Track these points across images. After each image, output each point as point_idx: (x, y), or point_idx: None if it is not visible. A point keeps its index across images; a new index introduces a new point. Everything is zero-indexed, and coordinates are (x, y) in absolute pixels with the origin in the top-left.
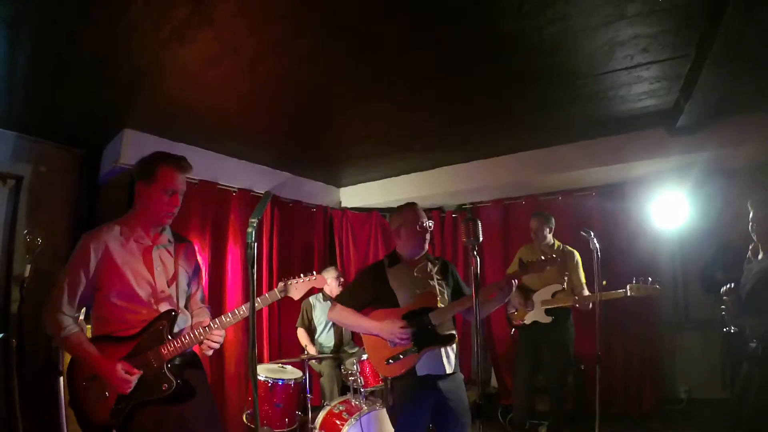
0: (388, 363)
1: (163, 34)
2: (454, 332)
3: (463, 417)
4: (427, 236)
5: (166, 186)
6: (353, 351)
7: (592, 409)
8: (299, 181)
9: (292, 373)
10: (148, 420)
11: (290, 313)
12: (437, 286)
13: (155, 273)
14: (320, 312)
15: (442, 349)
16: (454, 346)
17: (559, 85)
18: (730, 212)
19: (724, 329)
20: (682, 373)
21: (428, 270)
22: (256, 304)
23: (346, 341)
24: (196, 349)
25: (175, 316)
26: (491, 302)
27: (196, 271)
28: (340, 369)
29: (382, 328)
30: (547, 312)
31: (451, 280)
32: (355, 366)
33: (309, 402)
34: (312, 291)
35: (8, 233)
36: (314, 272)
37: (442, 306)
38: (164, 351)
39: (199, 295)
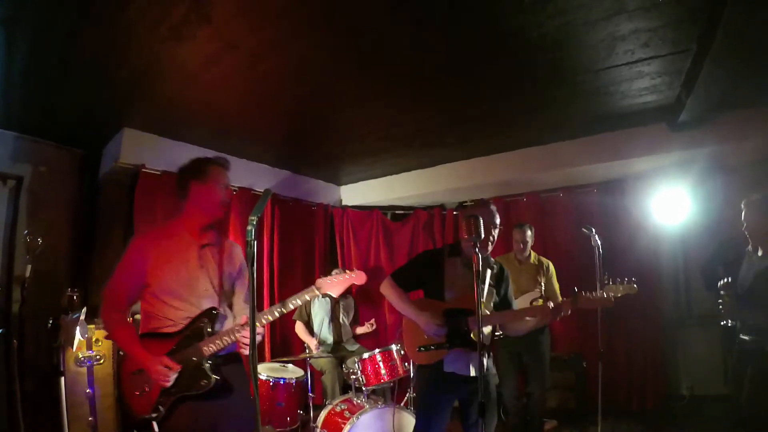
0: (419, 350)
1: (161, 32)
2: (484, 343)
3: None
4: (492, 239)
5: (220, 181)
6: (354, 349)
7: (595, 405)
8: (300, 180)
9: (293, 371)
10: (185, 414)
11: (291, 311)
12: (486, 292)
13: (200, 271)
14: (318, 307)
15: (471, 353)
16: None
17: (560, 82)
18: (732, 208)
19: (722, 323)
20: (685, 370)
21: (485, 273)
22: (294, 302)
23: (345, 337)
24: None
25: (216, 314)
26: (528, 322)
27: (241, 271)
28: (342, 367)
29: (422, 319)
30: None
31: (502, 290)
32: (356, 365)
33: (311, 401)
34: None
35: (9, 234)
36: (354, 269)
37: (485, 312)
38: (204, 348)
39: (243, 295)
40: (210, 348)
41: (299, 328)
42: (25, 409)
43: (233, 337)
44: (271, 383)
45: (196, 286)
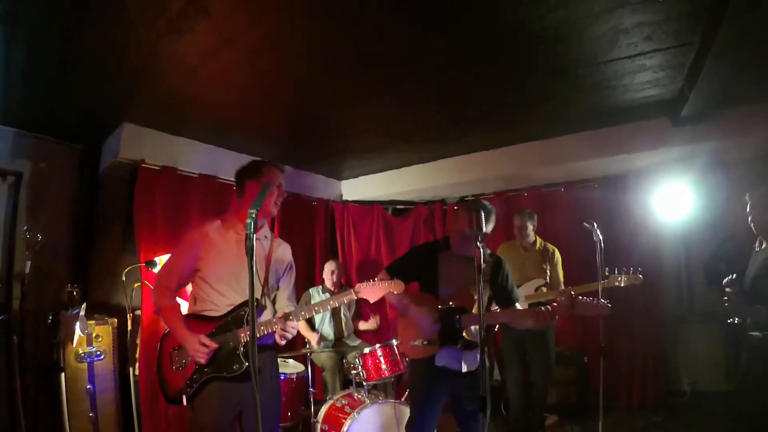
0: (412, 344)
1: (160, 26)
2: (476, 341)
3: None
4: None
5: (274, 180)
6: (355, 344)
7: (596, 402)
8: (300, 174)
9: (294, 367)
10: (215, 393)
11: None
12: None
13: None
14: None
15: (463, 350)
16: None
17: (562, 75)
18: (734, 204)
19: (728, 320)
20: (686, 366)
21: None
22: (333, 303)
23: (347, 333)
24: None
25: (257, 305)
26: (527, 321)
27: (288, 270)
28: (343, 362)
29: (416, 314)
30: (531, 307)
31: (497, 283)
32: (357, 359)
33: (312, 396)
34: (314, 283)
35: (8, 230)
36: (394, 278)
37: (475, 313)
38: (242, 335)
39: (288, 292)
40: (247, 335)
41: (301, 326)
42: (25, 405)
43: (271, 328)
44: None
45: (243, 276)
